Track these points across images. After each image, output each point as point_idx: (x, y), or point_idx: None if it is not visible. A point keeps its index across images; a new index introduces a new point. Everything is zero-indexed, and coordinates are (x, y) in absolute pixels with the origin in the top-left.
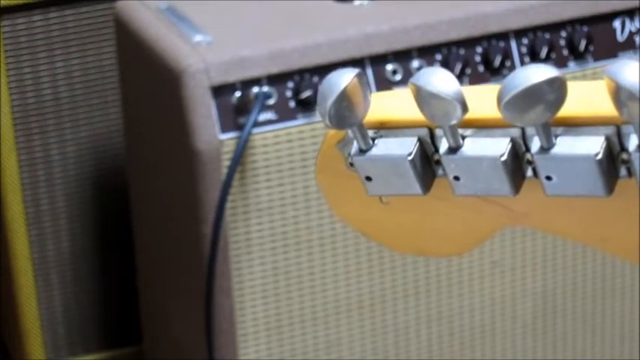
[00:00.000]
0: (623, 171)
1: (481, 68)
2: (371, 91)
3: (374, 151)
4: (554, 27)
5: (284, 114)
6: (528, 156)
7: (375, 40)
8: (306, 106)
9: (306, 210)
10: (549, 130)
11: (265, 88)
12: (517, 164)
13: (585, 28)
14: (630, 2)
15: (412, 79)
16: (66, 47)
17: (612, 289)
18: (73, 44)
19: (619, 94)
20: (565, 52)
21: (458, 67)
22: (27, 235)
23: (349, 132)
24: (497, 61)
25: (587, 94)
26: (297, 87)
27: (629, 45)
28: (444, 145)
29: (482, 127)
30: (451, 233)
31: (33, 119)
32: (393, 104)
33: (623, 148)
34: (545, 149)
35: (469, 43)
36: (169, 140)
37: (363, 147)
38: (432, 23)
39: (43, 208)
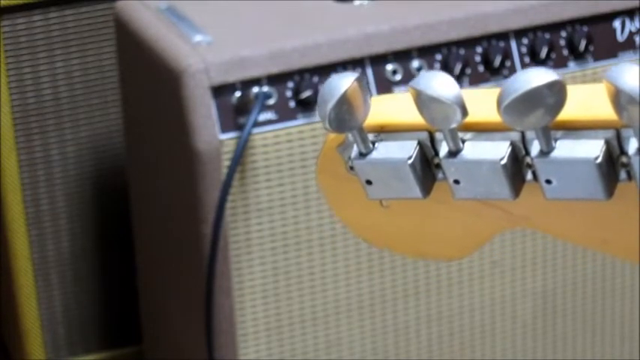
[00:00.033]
0: (622, 174)
1: (481, 68)
2: (371, 95)
3: (374, 155)
4: (554, 27)
5: (284, 114)
6: (528, 159)
7: (375, 40)
8: (306, 106)
9: (306, 210)
10: (549, 133)
11: (265, 88)
12: (517, 168)
13: (585, 28)
14: (630, 2)
15: (412, 83)
16: (66, 47)
17: (612, 289)
18: (73, 44)
19: (619, 97)
20: (565, 52)
21: (458, 67)
22: (27, 235)
23: (349, 135)
24: (497, 61)
25: (587, 98)
26: (297, 87)
27: (629, 45)
28: (444, 149)
29: (482, 130)
30: (451, 236)
31: (33, 119)
32: (393, 108)
33: (623, 152)
34: (544, 153)
35: (469, 43)
36: (169, 140)
37: (363, 150)
38: (432, 23)
39: (43, 208)
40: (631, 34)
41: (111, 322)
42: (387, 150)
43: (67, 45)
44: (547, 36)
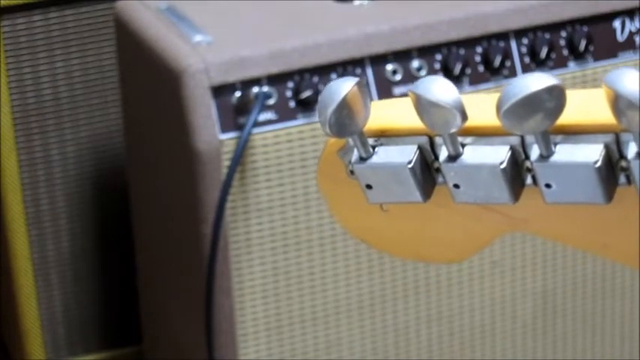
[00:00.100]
0: (622, 178)
1: (481, 68)
2: (371, 99)
3: (374, 159)
4: (554, 27)
5: (284, 114)
6: (528, 164)
7: (375, 40)
8: (306, 106)
9: (306, 210)
10: (548, 138)
11: (265, 88)
12: (516, 172)
13: (585, 28)
14: (630, 2)
15: (412, 88)
16: (66, 47)
17: (612, 289)
18: (73, 44)
19: (618, 102)
20: (565, 52)
21: (458, 67)
22: (27, 235)
23: (350, 140)
24: (497, 61)
25: (586, 102)
26: (297, 87)
27: (629, 45)
28: (443, 153)
29: (482, 135)
30: (451, 240)
31: (33, 119)
32: (393, 112)
33: (622, 156)
34: (544, 157)
35: (469, 43)
36: (169, 140)
37: (364, 155)
38: (432, 23)
39: (43, 208)
40: (631, 34)
41: (111, 322)
42: (387, 154)
43: (67, 45)
44: (547, 36)
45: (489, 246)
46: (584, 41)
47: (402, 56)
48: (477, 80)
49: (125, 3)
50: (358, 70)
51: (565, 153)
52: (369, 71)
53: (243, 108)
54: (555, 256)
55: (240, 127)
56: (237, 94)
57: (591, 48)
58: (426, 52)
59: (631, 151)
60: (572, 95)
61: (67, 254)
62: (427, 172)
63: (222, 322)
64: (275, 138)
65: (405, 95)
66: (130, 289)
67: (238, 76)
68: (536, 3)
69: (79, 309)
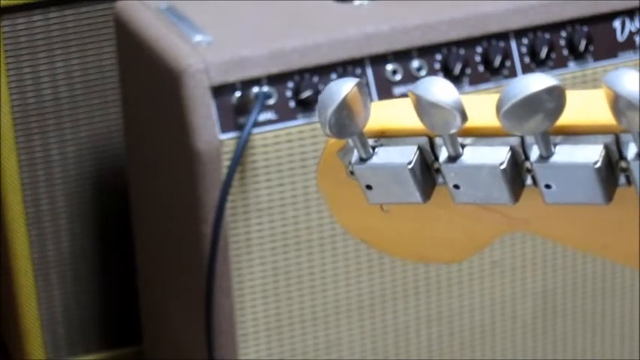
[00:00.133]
0: (622, 179)
1: (481, 68)
2: (371, 100)
3: (374, 160)
4: (554, 27)
5: (284, 114)
6: (528, 164)
7: (375, 40)
8: (306, 106)
9: (306, 210)
10: (548, 138)
11: (265, 88)
12: (516, 173)
13: (585, 28)
14: (630, 2)
15: (412, 88)
16: (66, 47)
17: (612, 289)
18: (73, 44)
19: (618, 103)
20: (565, 52)
21: (458, 67)
22: (27, 235)
23: (349, 141)
24: (497, 61)
25: (586, 103)
26: (297, 87)
27: (629, 45)
28: (443, 154)
29: (482, 135)
30: (451, 240)
31: (33, 119)
32: (393, 113)
33: (622, 157)
34: (544, 158)
35: (469, 43)
36: (169, 140)
37: (364, 156)
38: (432, 23)
39: (43, 208)
40: (631, 34)
41: (111, 322)
42: (387, 155)
43: (67, 45)
44: (547, 36)
45: (489, 246)
46: (584, 41)
47: (402, 56)
48: (476, 80)
49: (125, 3)
50: (358, 70)
51: (565, 154)
52: (369, 71)
53: (243, 108)
54: (555, 256)
55: (240, 127)
56: (237, 94)
57: (591, 48)
58: (426, 52)
59: (631, 151)
60: (572, 96)
61: (67, 254)
62: (427, 172)
63: (222, 322)
64: (275, 138)
65: (405, 95)
66: (130, 289)
67: (238, 76)
68: (536, 3)
69: (79, 309)
